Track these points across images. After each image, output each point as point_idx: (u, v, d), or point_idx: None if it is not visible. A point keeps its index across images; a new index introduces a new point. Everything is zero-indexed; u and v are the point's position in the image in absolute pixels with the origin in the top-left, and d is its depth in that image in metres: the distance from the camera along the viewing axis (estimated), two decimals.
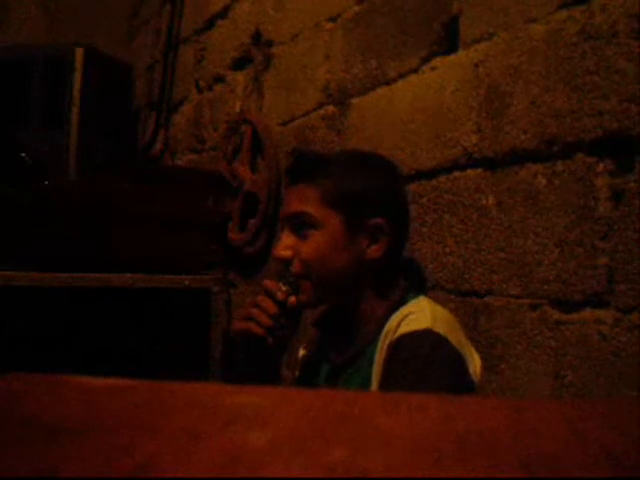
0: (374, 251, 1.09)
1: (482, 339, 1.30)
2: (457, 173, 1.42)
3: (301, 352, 1.29)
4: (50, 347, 1.72)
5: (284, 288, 1.09)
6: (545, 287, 1.20)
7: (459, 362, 1.00)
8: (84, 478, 0.27)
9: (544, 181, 1.21)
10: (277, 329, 1.08)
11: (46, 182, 2.03)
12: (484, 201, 1.34)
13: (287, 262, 1.10)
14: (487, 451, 0.30)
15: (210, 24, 2.70)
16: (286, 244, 1.11)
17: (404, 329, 1.01)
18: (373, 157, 1.22)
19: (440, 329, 1.00)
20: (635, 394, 1.02)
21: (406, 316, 1.04)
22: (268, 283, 1.10)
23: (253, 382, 1.13)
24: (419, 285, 1.16)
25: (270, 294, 1.09)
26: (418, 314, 1.03)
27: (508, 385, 1.26)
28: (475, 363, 1.04)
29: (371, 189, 1.11)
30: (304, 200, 1.10)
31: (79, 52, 2.68)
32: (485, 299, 1.33)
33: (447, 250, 1.43)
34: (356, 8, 1.78)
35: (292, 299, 1.09)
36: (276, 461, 0.28)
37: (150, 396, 0.38)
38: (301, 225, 1.10)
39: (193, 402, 0.37)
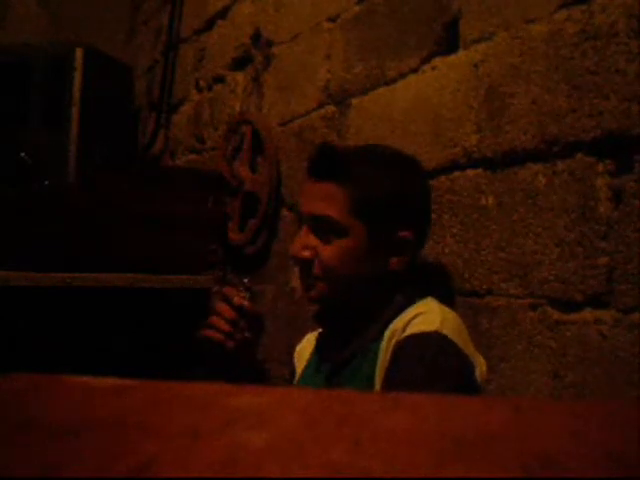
0: (397, 263, 1.07)
1: (482, 339, 1.30)
2: (457, 173, 1.42)
3: (298, 348, 1.28)
4: (50, 347, 1.72)
5: (242, 294, 1.12)
6: (545, 287, 1.20)
7: (465, 366, 1.00)
8: (84, 478, 0.27)
9: (544, 181, 1.21)
10: (237, 333, 1.11)
11: (46, 182, 2.03)
12: (484, 201, 1.34)
13: (305, 262, 1.08)
14: (487, 451, 0.30)
15: (210, 24, 2.70)
16: (306, 243, 1.08)
17: (412, 329, 1.00)
18: (402, 159, 1.16)
19: (448, 332, 0.99)
20: (635, 394, 1.02)
21: (415, 316, 1.02)
22: (227, 290, 1.13)
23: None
24: (426, 285, 1.15)
25: (226, 299, 1.11)
26: (427, 315, 1.02)
27: (508, 385, 1.26)
28: (480, 366, 1.04)
29: (402, 199, 1.07)
30: (330, 203, 1.05)
31: (79, 52, 2.68)
32: (485, 299, 1.33)
33: (447, 250, 1.43)
34: (356, 8, 1.78)
35: (246, 303, 1.11)
36: (276, 461, 0.28)
37: (150, 396, 0.38)
38: (324, 229, 1.06)
39: (193, 402, 0.37)
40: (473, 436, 0.32)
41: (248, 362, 1.16)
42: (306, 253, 1.08)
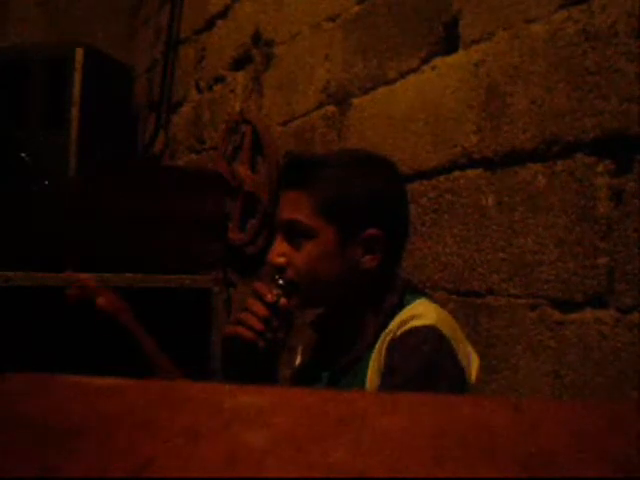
0: (369, 261, 1.08)
1: (482, 339, 1.30)
2: (457, 173, 1.42)
3: (298, 358, 1.28)
4: (50, 347, 1.72)
5: (275, 291, 1.08)
6: (545, 287, 1.20)
7: (457, 368, 1.00)
8: (84, 478, 0.27)
9: (544, 181, 1.21)
10: (268, 332, 1.07)
11: (46, 182, 2.03)
12: (484, 201, 1.34)
13: (280, 269, 1.10)
14: (487, 451, 0.30)
15: (210, 24, 2.70)
16: (279, 251, 1.10)
17: (409, 325, 1.01)
18: (371, 160, 1.17)
19: (444, 329, 1.00)
20: (635, 394, 1.02)
21: (412, 318, 1.02)
22: (258, 286, 1.10)
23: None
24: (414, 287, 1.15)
25: (260, 297, 1.08)
26: (424, 315, 1.02)
27: (508, 385, 1.26)
28: (473, 363, 1.04)
29: (366, 198, 1.08)
30: (297, 208, 1.08)
31: (79, 52, 2.68)
32: (485, 299, 1.33)
33: (447, 250, 1.43)
34: (356, 8, 1.78)
35: (283, 300, 1.08)
36: (276, 461, 0.28)
37: (150, 396, 0.38)
38: (294, 233, 1.09)
39: (193, 402, 0.37)
40: (473, 436, 0.32)
41: (272, 366, 1.13)
42: (280, 260, 1.09)
